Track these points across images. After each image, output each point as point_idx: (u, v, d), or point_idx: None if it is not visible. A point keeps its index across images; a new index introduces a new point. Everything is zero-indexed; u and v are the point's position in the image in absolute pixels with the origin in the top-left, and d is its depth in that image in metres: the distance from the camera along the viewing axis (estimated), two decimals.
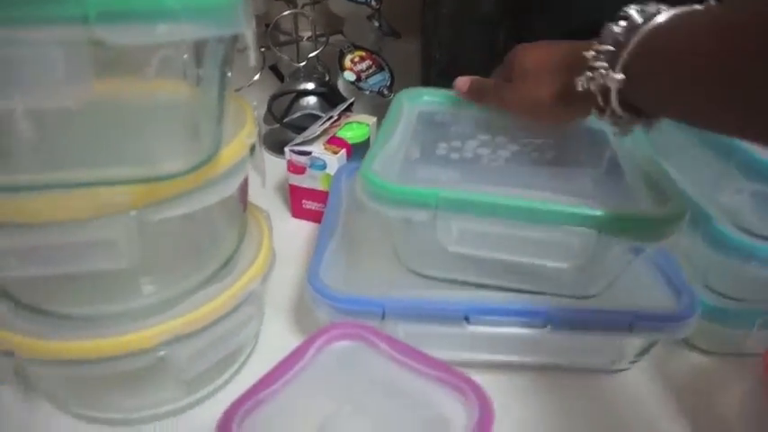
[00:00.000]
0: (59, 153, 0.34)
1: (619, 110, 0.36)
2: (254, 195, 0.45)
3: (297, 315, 0.49)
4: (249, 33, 0.29)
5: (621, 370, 0.45)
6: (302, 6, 0.72)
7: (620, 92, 0.35)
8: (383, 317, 0.40)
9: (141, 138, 0.35)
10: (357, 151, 0.62)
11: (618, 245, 0.39)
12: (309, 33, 0.74)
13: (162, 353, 0.34)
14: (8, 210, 0.29)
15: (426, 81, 0.78)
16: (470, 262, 0.42)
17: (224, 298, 0.36)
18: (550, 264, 0.40)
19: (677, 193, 0.40)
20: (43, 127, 0.31)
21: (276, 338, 0.46)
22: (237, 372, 0.43)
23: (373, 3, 0.65)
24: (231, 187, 0.34)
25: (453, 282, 0.44)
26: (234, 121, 0.39)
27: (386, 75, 0.71)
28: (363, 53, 0.71)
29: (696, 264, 0.48)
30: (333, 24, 0.73)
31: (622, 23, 0.35)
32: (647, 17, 0.34)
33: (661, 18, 0.33)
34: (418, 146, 0.47)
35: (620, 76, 0.34)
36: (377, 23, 0.71)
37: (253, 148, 0.37)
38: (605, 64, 0.35)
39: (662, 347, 0.47)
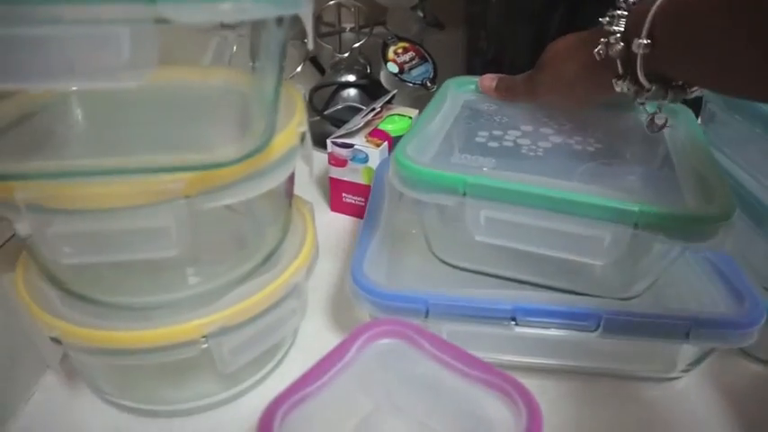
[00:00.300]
0: (114, 138, 0.34)
1: (645, 80, 0.35)
2: (295, 187, 0.44)
3: (334, 311, 0.49)
4: (308, 15, 0.29)
5: (673, 378, 0.43)
6: None
7: (645, 58, 0.34)
8: (427, 315, 0.39)
9: (196, 124, 0.35)
10: None
11: (656, 243, 0.37)
12: (352, 24, 0.73)
13: (205, 345, 0.33)
14: (61, 196, 0.29)
15: (470, 72, 0.76)
16: (500, 254, 0.41)
17: (269, 290, 0.35)
18: (582, 259, 0.38)
19: (726, 192, 0.37)
20: (99, 112, 0.31)
21: (314, 334, 0.46)
22: (276, 366, 0.42)
23: None
24: (282, 176, 0.34)
25: (481, 273, 0.42)
26: (284, 109, 0.39)
27: (429, 66, 0.70)
28: (407, 44, 0.69)
29: (757, 265, 0.46)
30: (376, 15, 0.72)
31: None
32: None
33: None
34: (459, 134, 0.46)
35: (645, 40, 0.33)
36: (421, 14, 0.69)
37: (303, 137, 0.36)
38: (620, 28, 0.35)
39: (717, 355, 0.44)
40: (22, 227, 0.30)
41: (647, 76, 0.35)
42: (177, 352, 0.32)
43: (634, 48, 0.34)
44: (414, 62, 0.69)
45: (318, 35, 0.72)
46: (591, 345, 0.40)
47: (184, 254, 0.31)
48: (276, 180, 0.33)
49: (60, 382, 0.41)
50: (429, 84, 0.68)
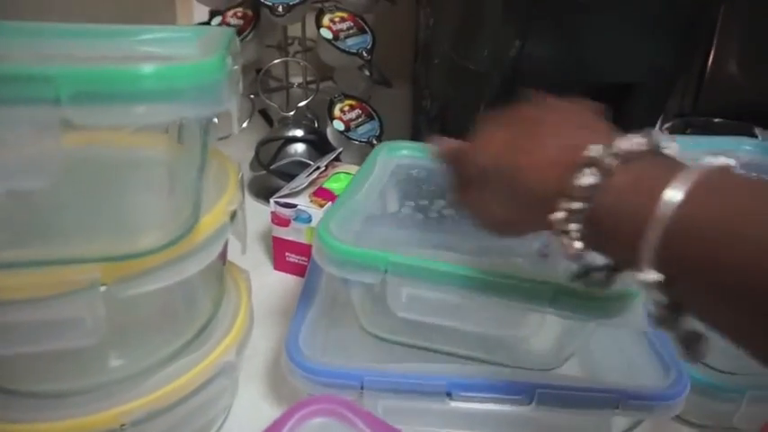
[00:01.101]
0: (35, 214, 0.33)
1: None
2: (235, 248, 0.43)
3: (273, 380, 0.47)
4: (233, 109, 0.28)
5: None
6: (294, 54, 0.72)
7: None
8: (362, 390, 0.39)
9: (118, 200, 0.34)
10: None
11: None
12: (300, 80, 0.74)
13: None
14: None
15: (416, 130, 0.78)
16: (425, 328, 0.41)
17: (195, 372, 0.34)
18: (502, 333, 0.39)
19: None
20: (12, 196, 0.30)
21: (250, 406, 0.44)
22: None
23: (364, 54, 0.65)
24: (208, 258, 0.33)
25: (410, 346, 0.43)
26: (215, 182, 0.38)
27: (375, 124, 0.71)
28: (353, 102, 0.70)
29: None
30: (323, 71, 0.73)
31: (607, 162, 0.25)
32: (665, 171, 0.24)
33: (695, 184, 0.23)
34: (386, 204, 0.46)
35: (653, 276, 0.23)
36: (368, 72, 0.71)
37: (234, 215, 0.36)
38: (575, 230, 0.26)
39: (651, 420, 0.45)
40: None
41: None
42: None
43: (640, 280, 0.24)
44: (360, 120, 0.70)
45: (266, 90, 0.72)
46: (527, 418, 0.40)
47: (105, 340, 0.30)
48: (202, 263, 0.32)
49: None
50: (375, 141, 0.69)
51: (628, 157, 0.25)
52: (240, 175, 0.40)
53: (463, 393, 0.39)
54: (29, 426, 0.30)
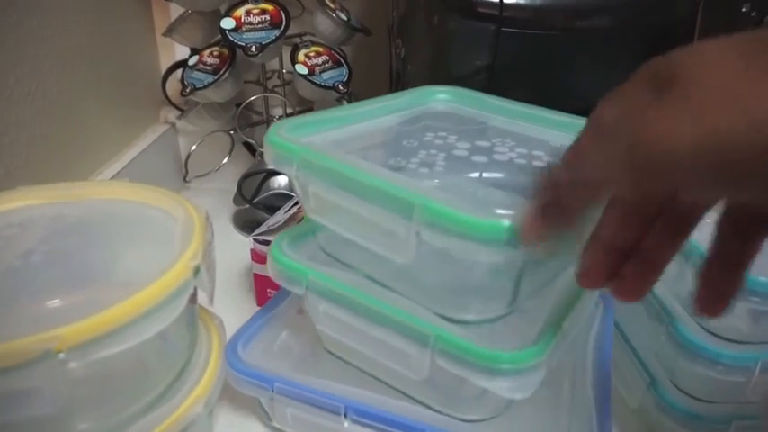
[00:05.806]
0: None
1: None
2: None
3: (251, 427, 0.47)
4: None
5: None
6: (273, 88, 0.73)
7: None
8: (272, 392, 0.41)
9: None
10: None
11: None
12: (280, 112, 0.75)
13: None
14: None
15: None
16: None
17: (161, 429, 0.34)
18: (399, 369, 0.39)
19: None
20: None
21: None
22: None
23: (340, 87, 0.65)
24: (171, 315, 0.33)
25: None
26: (183, 232, 0.38)
27: None
28: None
29: (663, 361, 0.47)
30: (304, 102, 0.74)
31: None
32: None
33: None
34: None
35: None
36: (345, 103, 0.71)
37: (197, 270, 0.36)
38: None
39: None
40: None
41: None
42: None
43: None
44: None
45: (247, 125, 0.73)
46: None
47: (67, 407, 0.30)
48: (163, 322, 0.32)
49: None
50: None
51: None
52: (209, 230, 0.40)
53: (356, 417, 0.39)
54: None
